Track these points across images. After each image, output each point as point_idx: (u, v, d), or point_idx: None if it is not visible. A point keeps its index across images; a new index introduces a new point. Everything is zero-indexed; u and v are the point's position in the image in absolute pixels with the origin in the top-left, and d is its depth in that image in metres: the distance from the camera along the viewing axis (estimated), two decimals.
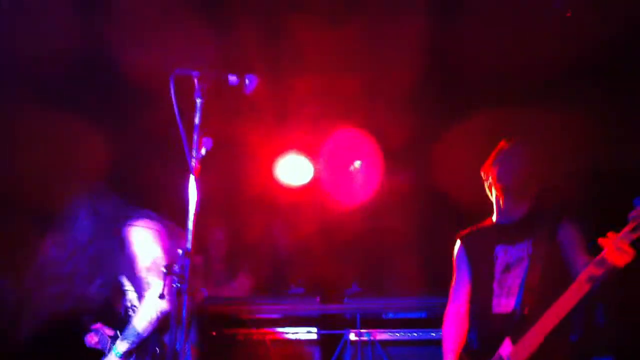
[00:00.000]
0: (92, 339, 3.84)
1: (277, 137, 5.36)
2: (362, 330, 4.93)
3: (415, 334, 4.92)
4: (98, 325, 3.84)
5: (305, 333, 4.99)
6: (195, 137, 2.83)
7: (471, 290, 3.57)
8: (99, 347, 3.81)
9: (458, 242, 3.69)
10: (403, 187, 5.39)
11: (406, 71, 4.66)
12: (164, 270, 2.83)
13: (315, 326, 4.98)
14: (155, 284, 3.47)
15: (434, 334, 4.89)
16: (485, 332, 3.41)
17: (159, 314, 3.48)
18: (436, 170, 5.17)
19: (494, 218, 3.59)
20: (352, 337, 4.94)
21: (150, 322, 3.49)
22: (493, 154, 3.54)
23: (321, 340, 4.98)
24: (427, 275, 5.18)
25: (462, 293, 3.61)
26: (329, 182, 5.53)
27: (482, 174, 3.59)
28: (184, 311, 2.65)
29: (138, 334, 3.49)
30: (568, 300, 3.09)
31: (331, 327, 5.00)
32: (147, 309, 3.50)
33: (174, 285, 2.69)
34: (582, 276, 3.07)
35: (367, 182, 5.39)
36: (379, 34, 4.52)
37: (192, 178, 2.81)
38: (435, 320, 4.90)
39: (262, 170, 5.55)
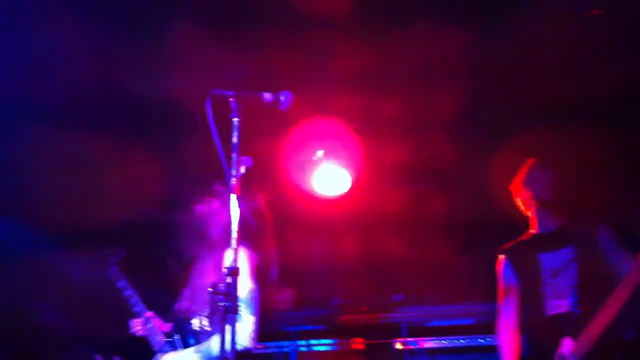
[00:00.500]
0: (137, 326, 3.77)
1: (313, 149, 5.37)
2: (408, 339, 4.92)
3: (462, 341, 4.88)
4: (151, 314, 3.78)
5: (351, 343, 4.99)
6: (234, 156, 2.86)
7: (521, 299, 3.71)
8: (144, 334, 3.74)
9: (502, 257, 3.84)
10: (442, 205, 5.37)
11: (445, 94, 4.70)
12: (211, 290, 2.86)
13: (361, 336, 4.98)
14: (247, 318, 3.34)
15: (481, 341, 4.86)
16: (541, 335, 3.56)
17: (242, 348, 3.29)
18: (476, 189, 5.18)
19: (533, 230, 3.78)
20: (399, 345, 4.92)
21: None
22: (523, 172, 3.79)
23: (368, 350, 4.97)
24: (472, 283, 5.13)
25: (511, 304, 3.75)
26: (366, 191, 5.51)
27: (513, 191, 3.84)
28: (234, 332, 2.66)
29: (212, 355, 3.31)
30: (618, 298, 3.31)
31: (377, 336, 4.99)
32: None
33: (221, 305, 2.69)
34: (629, 275, 3.32)
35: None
36: (419, 53, 4.54)
37: (233, 197, 2.84)
38: (481, 327, 4.88)
39: (299, 183, 5.56)
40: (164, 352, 3.55)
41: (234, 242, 2.77)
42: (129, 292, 3.91)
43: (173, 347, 3.56)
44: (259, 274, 3.49)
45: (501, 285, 3.80)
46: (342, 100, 4.80)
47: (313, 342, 5.00)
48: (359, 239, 5.55)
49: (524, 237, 3.82)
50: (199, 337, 3.46)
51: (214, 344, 3.35)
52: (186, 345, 3.50)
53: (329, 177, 5.59)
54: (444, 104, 4.77)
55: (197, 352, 3.38)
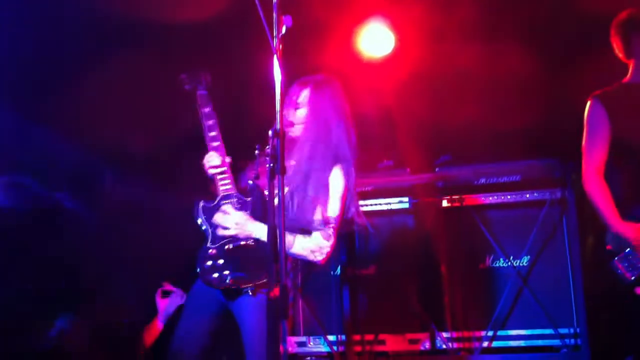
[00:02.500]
0: (214, 160, 3.48)
1: (356, 8, 5.22)
2: (454, 197, 4.97)
3: (509, 197, 4.91)
4: (230, 160, 3.52)
5: (397, 203, 5.07)
6: (274, 16, 2.79)
7: (623, 143, 3.70)
8: (213, 175, 3.50)
9: (593, 101, 3.77)
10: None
11: None
12: (257, 151, 2.89)
13: (407, 196, 5.05)
14: (331, 240, 3.38)
15: (527, 196, 4.88)
16: None
17: (314, 260, 3.38)
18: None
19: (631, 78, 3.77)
20: (445, 203, 4.98)
21: (304, 257, 3.39)
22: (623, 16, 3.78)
23: (414, 210, 5.05)
24: (520, 140, 5.09)
25: (600, 150, 3.73)
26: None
27: (613, 31, 3.82)
28: (279, 190, 2.69)
29: (289, 247, 3.31)
30: None
31: (423, 196, 5.05)
32: (312, 248, 3.38)
33: (268, 166, 2.72)
34: None
35: None
36: None
37: (275, 58, 2.80)
38: (528, 182, 4.88)
39: (343, 44, 5.46)
40: (234, 205, 3.43)
41: (278, 104, 2.76)
42: (212, 122, 3.55)
43: (244, 208, 3.44)
44: (347, 198, 3.47)
45: (589, 129, 3.77)
46: None
47: (360, 203, 5.07)
48: (401, 101, 5.50)
49: (619, 84, 3.79)
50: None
51: (296, 242, 3.36)
52: (255, 215, 3.41)
53: (375, 38, 5.48)
54: None
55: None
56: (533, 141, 5.15)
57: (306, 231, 3.43)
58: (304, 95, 3.56)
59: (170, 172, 5.04)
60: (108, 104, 4.83)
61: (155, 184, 4.97)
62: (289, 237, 3.30)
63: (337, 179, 3.45)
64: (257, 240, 3.39)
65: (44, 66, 4.68)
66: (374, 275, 5.01)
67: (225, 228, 3.39)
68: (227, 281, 3.33)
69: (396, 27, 5.43)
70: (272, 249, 2.68)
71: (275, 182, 2.70)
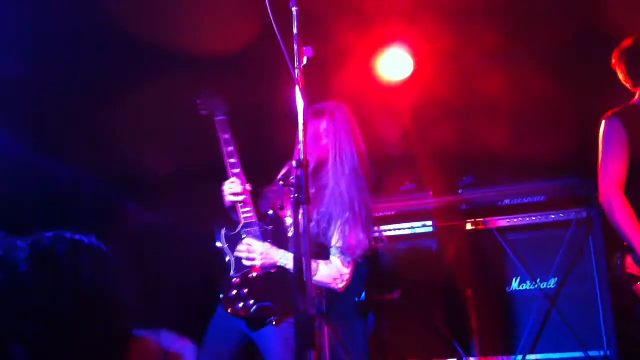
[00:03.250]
0: (235, 188, 3.43)
1: (375, 34, 5.24)
2: (478, 220, 4.93)
3: (533, 218, 4.87)
4: (249, 187, 3.47)
5: (421, 227, 5.04)
6: (295, 47, 2.80)
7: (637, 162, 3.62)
8: (231, 203, 3.46)
9: (613, 119, 3.69)
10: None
11: None
12: (281, 183, 2.89)
13: (431, 219, 5.02)
14: (350, 268, 3.42)
15: (553, 217, 4.83)
16: None
17: (335, 287, 3.40)
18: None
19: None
20: (469, 226, 4.95)
21: (324, 284, 3.41)
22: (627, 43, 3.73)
23: (438, 233, 5.02)
24: (543, 160, 5.05)
25: (621, 167, 3.63)
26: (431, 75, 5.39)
27: (617, 59, 3.77)
28: (304, 221, 2.68)
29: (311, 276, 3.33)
30: None
31: (447, 219, 5.01)
32: (334, 276, 3.40)
33: (292, 197, 2.71)
34: None
35: None
36: None
37: (297, 89, 2.80)
38: (553, 203, 4.84)
39: (362, 69, 5.48)
40: (254, 235, 3.43)
41: (301, 135, 2.77)
42: (232, 149, 3.50)
43: (266, 237, 3.45)
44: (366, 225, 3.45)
45: (607, 147, 3.68)
46: None
47: (383, 227, 5.07)
48: (422, 125, 5.49)
49: (632, 102, 3.74)
50: (288, 241, 3.45)
51: (317, 271, 3.36)
52: (277, 243, 3.43)
53: (394, 62, 5.50)
54: None
55: (286, 257, 3.35)
56: (556, 161, 5.11)
57: (323, 254, 3.42)
58: (323, 126, 3.56)
59: (191, 198, 5.06)
60: (128, 132, 4.87)
61: (178, 209, 4.99)
62: (312, 265, 3.28)
63: (357, 207, 3.44)
64: (280, 268, 3.39)
65: (62, 95, 4.73)
66: (399, 300, 4.97)
67: (251, 259, 3.39)
68: (252, 310, 3.32)
69: (415, 51, 5.44)
70: (299, 279, 2.67)
71: (301, 212, 2.70)
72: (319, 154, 3.53)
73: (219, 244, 3.47)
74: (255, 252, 3.38)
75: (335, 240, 3.41)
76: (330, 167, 3.45)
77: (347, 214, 3.40)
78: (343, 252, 3.41)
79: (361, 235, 3.42)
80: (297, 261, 2.69)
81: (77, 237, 1.74)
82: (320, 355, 4.94)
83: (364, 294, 4.99)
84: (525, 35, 5.10)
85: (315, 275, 3.37)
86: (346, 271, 3.42)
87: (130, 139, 4.90)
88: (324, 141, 3.53)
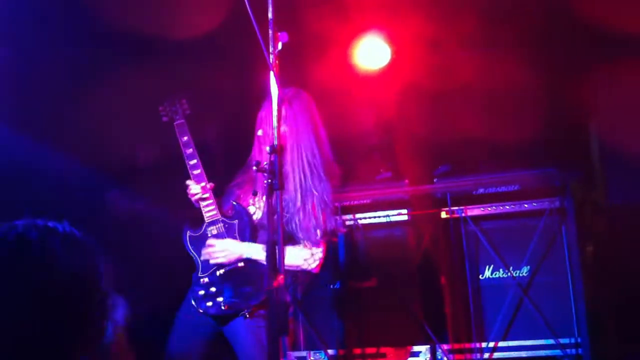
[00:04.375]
0: (195, 189, 3.52)
1: (353, 22, 5.24)
2: (453, 208, 4.96)
3: (507, 207, 4.91)
4: (211, 186, 3.54)
5: (396, 215, 5.06)
6: (270, 32, 2.80)
7: None
8: (197, 203, 3.54)
9: None
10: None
11: None
12: (255, 168, 2.89)
13: (406, 208, 5.04)
14: (321, 247, 3.44)
15: (526, 206, 4.88)
16: None
17: (308, 269, 3.43)
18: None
19: None
20: (444, 215, 4.98)
21: (296, 267, 3.43)
22: None
23: (413, 221, 5.05)
24: (519, 149, 5.09)
25: None
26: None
27: None
28: (278, 206, 2.69)
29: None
30: None
31: (422, 207, 5.04)
32: (304, 257, 3.42)
33: (266, 182, 2.72)
34: None
35: None
36: None
37: (271, 74, 2.81)
38: (527, 192, 4.88)
39: (339, 57, 5.47)
40: (218, 232, 3.49)
41: (275, 120, 2.78)
42: (191, 150, 3.59)
43: (230, 232, 3.49)
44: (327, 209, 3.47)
45: None
46: None
47: (359, 215, 5.09)
48: (398, 113, 5.50)
49: None
50: (257, 231, 3.49)
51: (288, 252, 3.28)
52: (242, 236, 3.46)
53: (371, 50, 5.50)
54: None
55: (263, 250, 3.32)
56: (531, 150, 5.15)
57: (292, 240, 3.44)
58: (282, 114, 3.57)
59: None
60: (109, 120, 4.84)
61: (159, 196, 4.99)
62: None
63: (318, 194, 3.46)
64: (247, 261, 3.42)
65: (46, 82, 4.69)
66: (374, 288, 5.00)
67: (215, 259, 3.44)
68: (223, 308, 3.36)
69: (393, 39, 5.44)
70: (272, 264, 2.68)
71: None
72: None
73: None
74: (218, 252, 3.43)
75: (300, 226, 3.42)
76: (288, 156, 3.44)
77: (309, 201, 3.42)
78: (309, 235, 3.42)
79: (324, 217, 3.44)
80: (271, 246, 2.71)
81: (50, 224, 1.72)
82: (294, 342, 4.97)
83: (339, 281, 5.01)
84: (503, 23, 5.12)
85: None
86: (317, 250, 3.43)
87: (113, 127, 4.89)
88: (283, 129, 3.54)
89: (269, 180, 2.72)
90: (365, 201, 5.10)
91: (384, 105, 5.50)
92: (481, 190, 4.98)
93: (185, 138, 3.61)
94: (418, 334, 4.87)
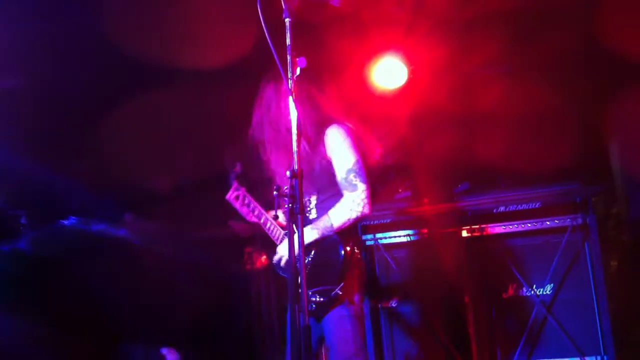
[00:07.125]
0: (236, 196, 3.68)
1: (371, 43, 5.25)
2: (473, 227, 4.93)
3: (529, 225, 4.87)
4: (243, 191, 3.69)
5: (416, 234, 5.04)
6: (288, 57, 2.82)
7: None
8: (239, 208, 3.71)
9: None
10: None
11: None
12: (275, 192, 2.90)
13: (427, 227, 5.02)
14: (360, 187, 3.43)
15: (548, 223, 4.84)
16: None
17: (359, 214, 3.43)
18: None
19: None
20: (464, 233, 4.95)
21: (348, 220, 3.43)
22: None
23: (433, 240, 5.02)
24: (539, 166, 5.07)
25: None
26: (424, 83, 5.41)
27: None
28: (299, 230, 2.70)
29: (332, 226, 3.42)
30: None
31: (443, 226, 5.02)
32: (348, 206, 3.42)
33: (287, 207, 2.73)
34: None
35: None
36: None
37: (290, 99, 2.82)
38: (548, 209, 4.84)
39: (356, 77, 5.49)
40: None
41: (295, 144, 2.79)
42: (257, 212, 3.73)
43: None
44: (360, 144, 3.53)
45: None
46: None
47: (379, 235, 5.07)
48: (418, 132, 5.50)
49: None
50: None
51: (333, 217, 3.42)
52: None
53: (389, 71, 5.51)
54: None
55: (314, 228, 3.44)
56: (553, 168, 5.12)
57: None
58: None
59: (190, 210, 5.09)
60: (129, 147, 4.89)
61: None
62: (325, 220, 3.42)
63: (333, 137, 3.49)
64: (309, 250, 3.49)
65: (62, 110, 4.75)
66: (396, 307, 4.97)
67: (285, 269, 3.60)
68: (314, 306, 3.48)
69: (412, 59, 5.44)
70: (294, 289, 2.68)
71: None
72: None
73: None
74: (282, 258, 3.60)
75: (333, 178, 3.48)
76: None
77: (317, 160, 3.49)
78: (345, 179, 3.44)
79: (352, 155, 3.47)
80: (294, 270, 2.71)
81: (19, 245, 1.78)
82: None
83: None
84: (522, 43, 5.11)
85: (333, 224, 3.41)
86: (357, 193, 3.42)
87: (131, 151, 4.94)
88: None
89: (290, 205, 2.72)
90: (385, 221, 5.10)
91: (403, 125, 5.50)
92: (502, 208, 4.95)
93: (245, 209, 3.72)
94: (442, 354, 4.82)
